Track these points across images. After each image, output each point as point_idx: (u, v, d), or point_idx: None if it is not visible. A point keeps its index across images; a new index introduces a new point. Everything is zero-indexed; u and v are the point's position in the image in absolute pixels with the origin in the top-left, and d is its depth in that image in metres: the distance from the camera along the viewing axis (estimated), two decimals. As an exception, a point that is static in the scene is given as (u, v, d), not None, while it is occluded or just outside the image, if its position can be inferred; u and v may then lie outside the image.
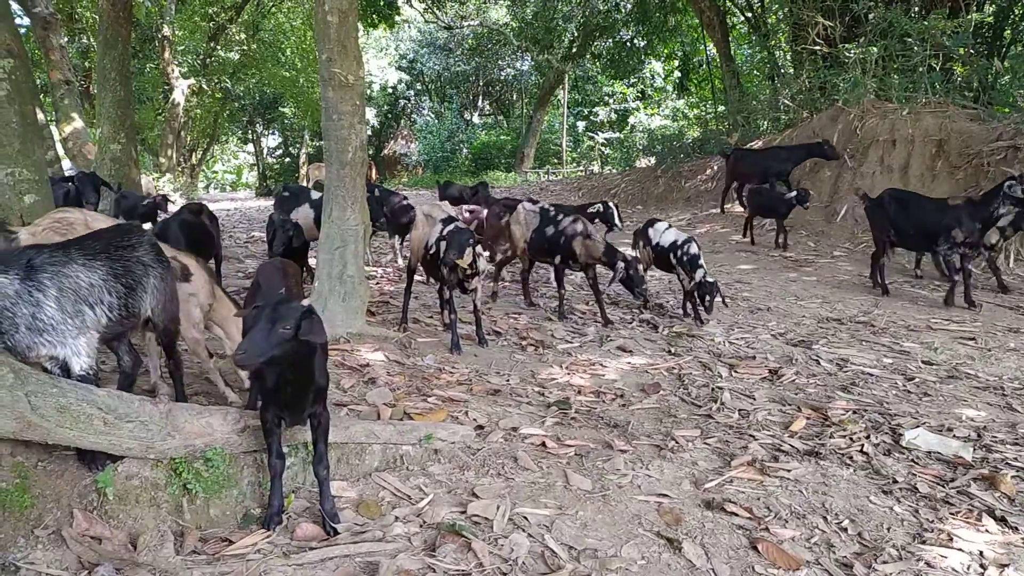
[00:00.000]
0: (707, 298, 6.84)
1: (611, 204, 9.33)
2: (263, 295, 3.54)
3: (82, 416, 2.92)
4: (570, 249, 7.07)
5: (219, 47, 26.61)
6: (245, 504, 3.32)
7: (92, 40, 20.67)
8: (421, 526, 3.24)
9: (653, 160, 21.12)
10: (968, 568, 3.14)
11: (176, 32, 24.25)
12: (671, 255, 7.23)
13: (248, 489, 3.34)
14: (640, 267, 7.06)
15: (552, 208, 7.55)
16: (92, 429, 2.94)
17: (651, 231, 7.60)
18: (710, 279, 6.84)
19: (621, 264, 6.85)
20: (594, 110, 33.78)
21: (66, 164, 13.11)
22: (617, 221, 9.19)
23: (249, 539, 3.06)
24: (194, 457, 3.19)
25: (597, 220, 8.93)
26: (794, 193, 10.56)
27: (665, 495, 3.68)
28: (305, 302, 3.70)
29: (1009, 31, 15.34)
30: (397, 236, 9.95)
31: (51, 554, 2.83)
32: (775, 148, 13.14)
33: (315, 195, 8.21)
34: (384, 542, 3.07)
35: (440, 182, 13.13)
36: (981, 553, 3.26)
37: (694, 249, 7.01)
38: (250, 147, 41.03)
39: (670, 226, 7.58)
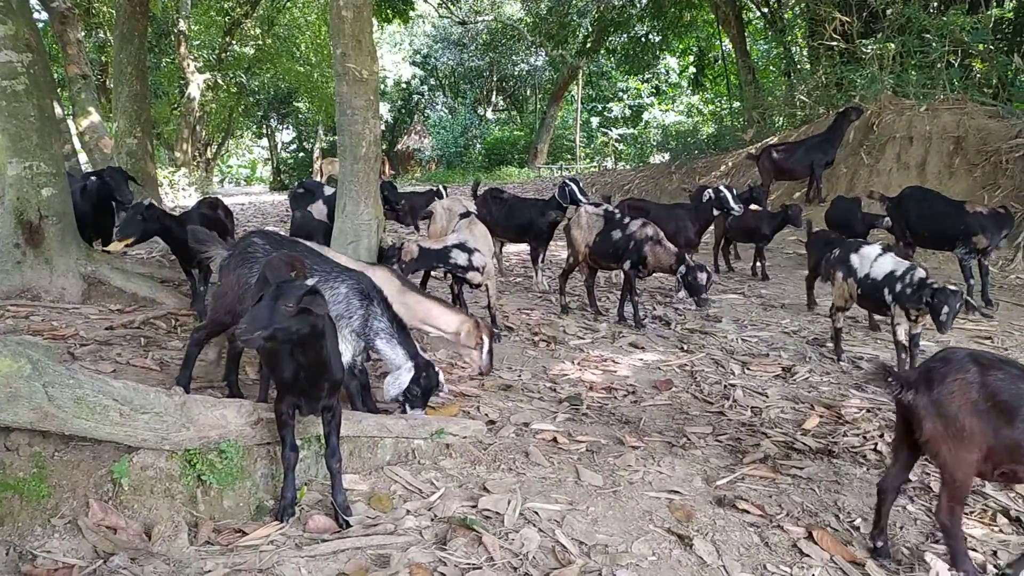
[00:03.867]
0: (944, 309, 4.97)
1: None
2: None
3: (98, 407, 2.95)
4: (641, 254, 6.65)
5: (234, 42, 26.70)
6: (258, 496, 3.34)
7: (109, 35, 20.80)
8: (432, 520, 3.25)
9: (667, 156, 21.04)
10: (984, 568, 3.12)
11: (192, 27, 24.36)
12: (886, 290, 5.42)
13: (261, 481, 3.37)
14: (701, 275, 6.33)
15: (618, 211, 7.13)
16: (108, 420, 2.97)
17: (855, 257, 5.76)
18: (951, 286, 5.04)
19: (682, 268, 6.36)
20: (608, 106, 33.68)
21: (82, 158, 13.22)
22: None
23: (262, 530, 3.08)
24: (208, 449, 3.21)
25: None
26: (886, 218, 8.59)
27: (676, 492, 3.67)
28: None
29: (1030, 27, 15.14)
30: None
31: (67, 543, 2.86)
32: (809, 139, 12.45)
33: (328, 190, 8.24)
34: (395, 535, 3.09)
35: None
36: (995, 553, 3.24)
37: (920, 273, 5.27)
38: (264, 142, 41.24)
39: (885, 250, 5.72)
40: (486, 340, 4.53)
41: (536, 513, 3.34)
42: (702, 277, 6.30)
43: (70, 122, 13.43)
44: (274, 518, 3.18)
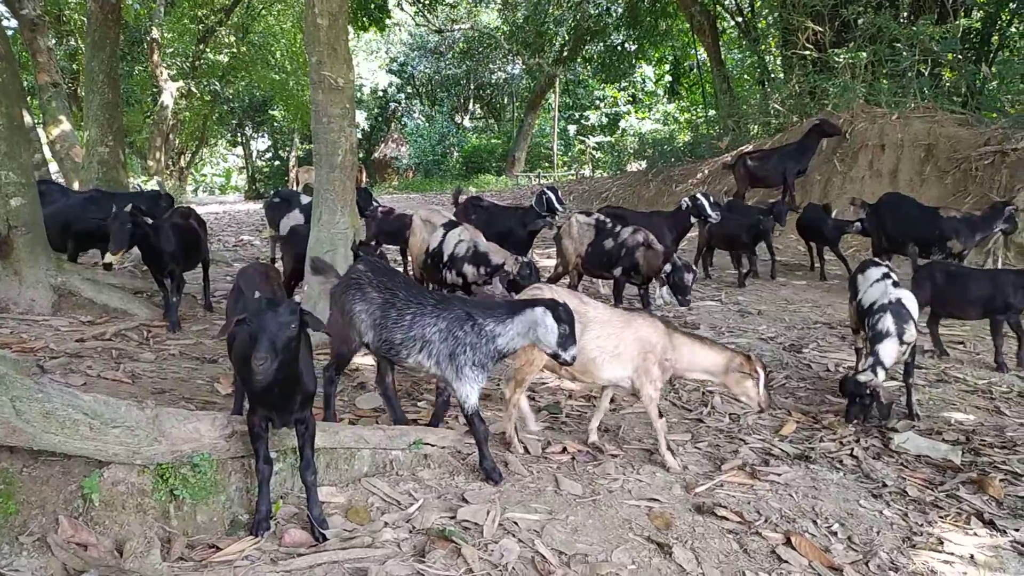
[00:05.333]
0: (850, 405, 4.71)
1: None
2: (244, 300, 3.52)
3: (68, 421, 2.89)
4: (633, 261, 6.71)
5: (208, 49, 26.47)
6: (233, 510, 3.28)
7: (80, 42, 20.56)
8: (411, 532, 3.21)
9: (644, 164, 21.17)
10: (964, 574, 3.15)
11: (165, 34, 24.12)
12: (867, 318, 4.93)
13: (236, 495, 3.31)
14: (687, 275, 6.26)
15: (608, 220, 7.18)
16: (78, 434, 2.91)
17: (860, 279, 5.31)
18: (863, 377, 4.58)
19: (667, 267, 6.32)
20: (585, 114, 33.87)
21: (53, 167, 13.03)
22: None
23: (237, 545, 3.03)
24: (181, 463, 3.15)
25: None
26: (857, 224, 8.57)
27: (656, 500, 3.67)
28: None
29: (996, 37, 15.46)
30: None
31: (36, 561, 2.79)
32: (782, 148, 12.38)
33: (305, 200, 8.16)
34: (373, 548, 3.05)
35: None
36: (972, 557, 3.27)
37: (884, 324, 4.67)
38: (239, 150, 40.86)
39: (887, 274, 5.11)
40: (761, 373, 4.02)
41: (515, 523, 3.32)
42: (688, 277, 6.30)
43: (40, 131, 13.25)
44: (249, 532, 3.13)
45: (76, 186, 10.92)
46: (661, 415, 4.09)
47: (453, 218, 7.14)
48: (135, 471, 3.08)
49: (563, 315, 3.55)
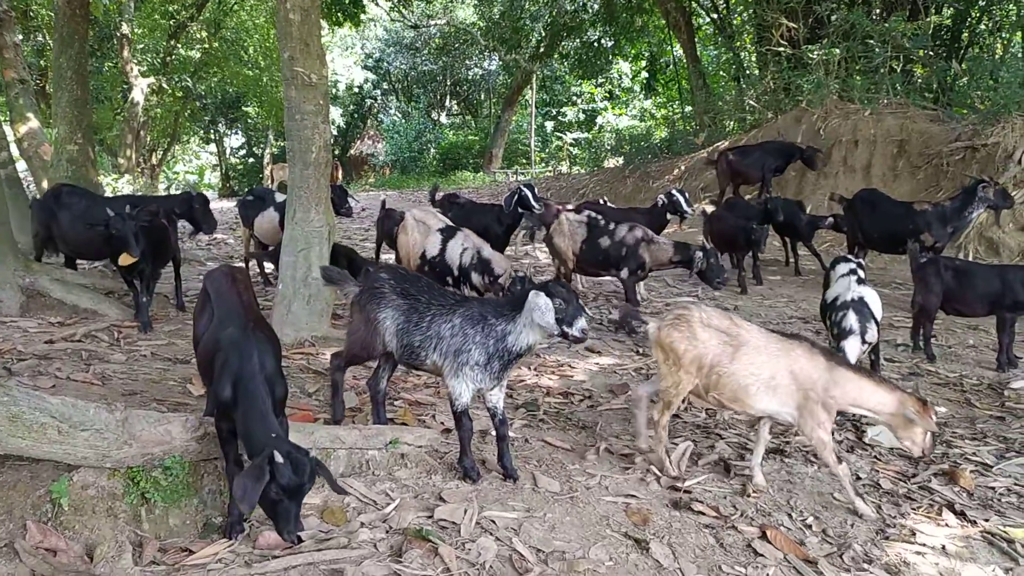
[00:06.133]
0: None
1: None
2: (212, 303, 3.47)
3: (35, 425, 2.84)
4: (639, 259, 6.63)
5: (180, 45, 26.07)
6: (206, 513, 3.24)
7: (48, 38, 20.19)
8: (387, 532, 3.19)
9: (621, 160, 21.22)
10: (936, 565, 3.19)
11: (135, 30, 23.73)
12: (829, 312, 5.02)
13: (209, 497, 3.27)
14: (719, 256, 6.37)
15: (600, 217, 7.08)
16: (46, 438, 2.86)
17: (831, 274, 5.45)
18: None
19: (700, 254, 6.33)
20: (562, 110, 33.86)
21: (21, 166, 12.77)
22: None
23: (210, 548, 2.98)
24: (152, 465, 3.11)
25: None
26: (830, 220, 8.91)
27: (633, 496, 3.68)
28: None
29: (967, 34, 15.68)
30: None
31: (3, 568, 2.73)
32: (765, 144, 12.46)
33: (280, 198, 8.09)
34: (349, 549, 3.02)
35: None
36: (944, 548, 3.31)
37: (848, 322, 4.66)
38: (212, 147, 40.37)
39: (855, 270, 5.20)
40: (934, 421, 3.66)
41: (493, 522, 3.31)
42: (720, 259, 6.42)
43: (7, 128, 12.98)
44: (222, 535, 3.09)
45: (44, 184, 10.73)
46: (841, 460, 3.73)
47: (449, 222, 6.97)
48: (105, 474, 3.03)
49: (554, 290, 3.45)
